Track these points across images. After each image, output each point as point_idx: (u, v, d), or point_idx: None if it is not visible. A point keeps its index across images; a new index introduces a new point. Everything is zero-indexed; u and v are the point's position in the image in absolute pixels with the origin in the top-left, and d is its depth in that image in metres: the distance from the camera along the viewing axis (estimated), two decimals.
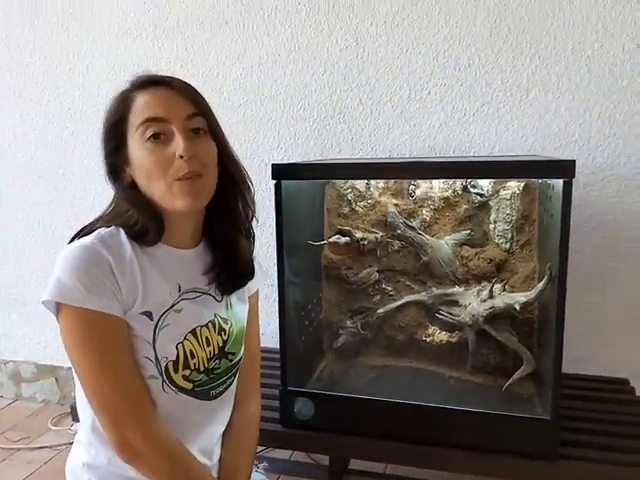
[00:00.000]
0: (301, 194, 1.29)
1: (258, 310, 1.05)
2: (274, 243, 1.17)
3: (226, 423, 0.96)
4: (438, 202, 1.34)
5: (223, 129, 0.88)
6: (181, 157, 0.78)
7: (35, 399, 2.15)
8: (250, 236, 0.96)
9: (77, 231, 0.86)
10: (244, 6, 1.68)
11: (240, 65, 1.70)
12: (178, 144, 0.78)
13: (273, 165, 1.12)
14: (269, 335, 1.81)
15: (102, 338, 0.77)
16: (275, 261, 1.17)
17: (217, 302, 0.91)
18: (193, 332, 0.85)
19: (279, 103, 1.68)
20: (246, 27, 1.68)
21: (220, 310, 0.91)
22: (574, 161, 0.95)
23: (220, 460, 0.95)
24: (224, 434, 0.96)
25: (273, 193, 1.13)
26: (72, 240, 0.84)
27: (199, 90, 0.87)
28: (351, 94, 1.62)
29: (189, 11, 1.73)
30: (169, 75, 0.85)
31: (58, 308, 0.77)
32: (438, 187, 1.34)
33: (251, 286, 1.00)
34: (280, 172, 1.12)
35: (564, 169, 0.95)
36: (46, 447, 1.77)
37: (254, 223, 0.96)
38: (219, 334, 0.89)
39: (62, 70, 1.89)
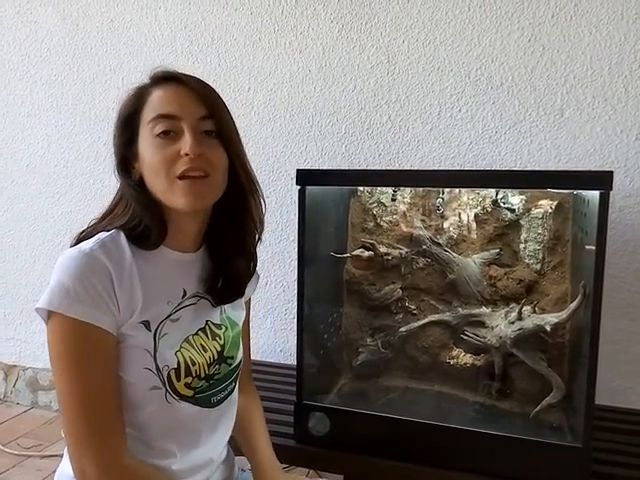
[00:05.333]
0: (325, 206, 1.27)
1: (249, 317, 1.03)
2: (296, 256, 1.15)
3: (231, 431, 0.94)
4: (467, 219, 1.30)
5: (245, 140, 0.86)
6: (186, 155, 0.76)
7: (50, 407, 2.14)
8: (251, 260, 0.92)
9: (79, 232, 0.83)
10: (278, 24, 1.70)
11: (271, 80, 1.72)
12: (186, 142, 0.76)
13: (298, 170, 1.11)
14: (287, 352, 1.77)
15: (84, 351, 0.73)
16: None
17: (212, 307, 0.89)
18: (187, 340, 0.83)
19: (308, 118, 1.69)
20: (279, 44, 1.71)
21: (213, 316, 0.89)
22: (612, 172, 0.91)
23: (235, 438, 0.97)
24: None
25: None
26: (75, 243, 0.81)
27: (222, 96, 0.84)
28: (380, 110, 1.61)
29: (224, 28, 1.76)
30: (187, 73, 0.82)
31: (48, 315, 0.74)
32: (467, 203, 1.30)
33: (246, 293, 0.97)
34: (305, 177, 1.10)
35: (601, 180, 0.91)
36: (57, 456, 1.75)
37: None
38: (214, 339, 0.87)
39: (98, 82, 1.94)
